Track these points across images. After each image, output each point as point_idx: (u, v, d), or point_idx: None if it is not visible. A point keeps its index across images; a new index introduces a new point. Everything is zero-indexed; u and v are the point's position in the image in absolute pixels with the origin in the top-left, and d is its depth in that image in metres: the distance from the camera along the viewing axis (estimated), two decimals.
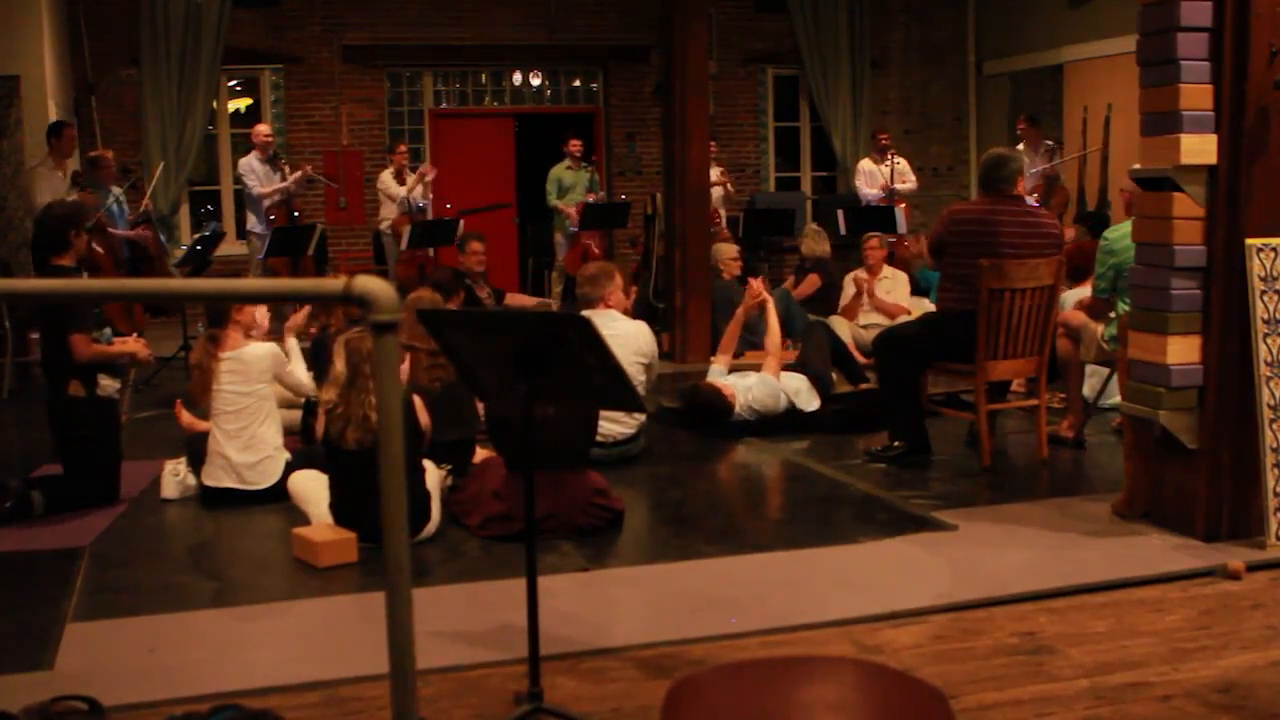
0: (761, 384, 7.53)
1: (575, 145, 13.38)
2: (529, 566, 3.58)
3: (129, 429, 6.87)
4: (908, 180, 13.45)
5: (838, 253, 11.82)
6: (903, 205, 12.88)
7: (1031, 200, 11.95)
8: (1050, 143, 13.20)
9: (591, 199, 13.38)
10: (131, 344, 6.28)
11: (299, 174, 12.29)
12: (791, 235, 13.28)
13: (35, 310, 6.26)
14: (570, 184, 13.41)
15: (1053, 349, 6.74)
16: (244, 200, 12.43)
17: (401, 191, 12.62)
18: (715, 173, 12.57)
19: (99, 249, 9.46)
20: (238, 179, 12.40)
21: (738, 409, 7.44)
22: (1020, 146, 12.97)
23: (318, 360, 7.14)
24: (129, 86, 13.53)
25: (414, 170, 12.99)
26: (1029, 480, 6.45)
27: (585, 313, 6.34)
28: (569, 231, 13.26)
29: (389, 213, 12.82)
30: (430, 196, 13.03)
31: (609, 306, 6.88)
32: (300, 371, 6.53)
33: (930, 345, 6.66)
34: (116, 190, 11.13)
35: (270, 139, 12.45)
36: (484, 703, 3.76)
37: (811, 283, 11.10)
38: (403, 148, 13.03)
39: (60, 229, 6.16)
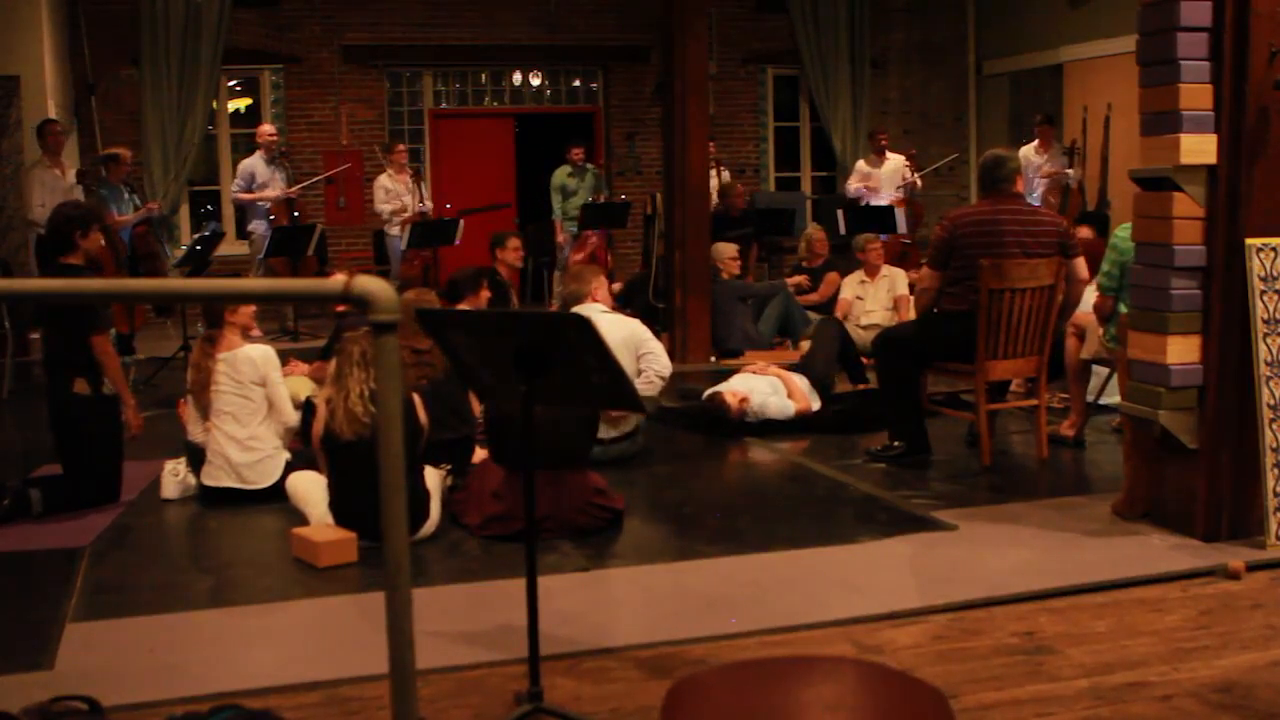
0: (776, 395, 7.61)
1: (577, 154, 13.39)
2: (529, 566, 3.58)
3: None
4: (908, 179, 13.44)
5: (837, 252, 11.83)
6: (902, 205, 12.88)
7: (1035, 197, 12.00)
8: (1062, 145, 13.16)
9: (601, 199, 13.40)
10: (130, 414, 6.27)
11: (292, 190, 12.38)
12: (792, 235, 13.29)
13: (48, 308, 6.26)
14: (574, 189, 13.44)
15: (1056, 348, 6.74)
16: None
17: (387, 208, 12.62)
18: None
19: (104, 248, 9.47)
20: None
21: (749, 412, 7.47)
22: (1035, 144, 12.99)
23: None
24: (129, 86, 13.53)
25: (414, 170, 12.98)
26: (1029, 480, 6.45)
27: (574, 309, 6.41)
28: (571, 232, 13.26)
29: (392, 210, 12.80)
30: (429, 204, 12.97)
31: (595, 301, 7.10)
32: (285, 393, 6.39)
33: (930, 345, 6.66)
34: (124, 190, 11.18)
35: (274, 138, 12.49)
36: (484, 703, 3.76)
37: (831, 282, 11.13)
38: (400, 148, 13.01)
39: (66, 229, 6.17)
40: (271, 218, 12.16)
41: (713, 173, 12.16)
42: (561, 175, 13.48)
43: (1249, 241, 5.02)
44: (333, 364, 5.52)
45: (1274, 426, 5.05)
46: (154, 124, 13.42)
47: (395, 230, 12.65)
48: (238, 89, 14.69)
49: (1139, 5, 5.24)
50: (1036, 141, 13.07)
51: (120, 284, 3.18)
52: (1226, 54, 4.98)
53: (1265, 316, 5.05)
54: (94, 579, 5.04)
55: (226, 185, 13.93)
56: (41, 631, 4.40)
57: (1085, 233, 8.06)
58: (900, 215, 12.48)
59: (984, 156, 6.83)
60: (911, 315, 8.40)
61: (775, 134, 15.96)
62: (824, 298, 11.10)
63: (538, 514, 4.68)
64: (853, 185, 13.52)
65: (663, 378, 6.98)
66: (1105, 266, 6.54)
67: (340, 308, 7.54)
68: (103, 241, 6.72)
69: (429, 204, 12.87)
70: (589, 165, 13.56)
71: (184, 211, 14.00)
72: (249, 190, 12.21)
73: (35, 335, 9.70)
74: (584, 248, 12.82)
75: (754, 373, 7.96)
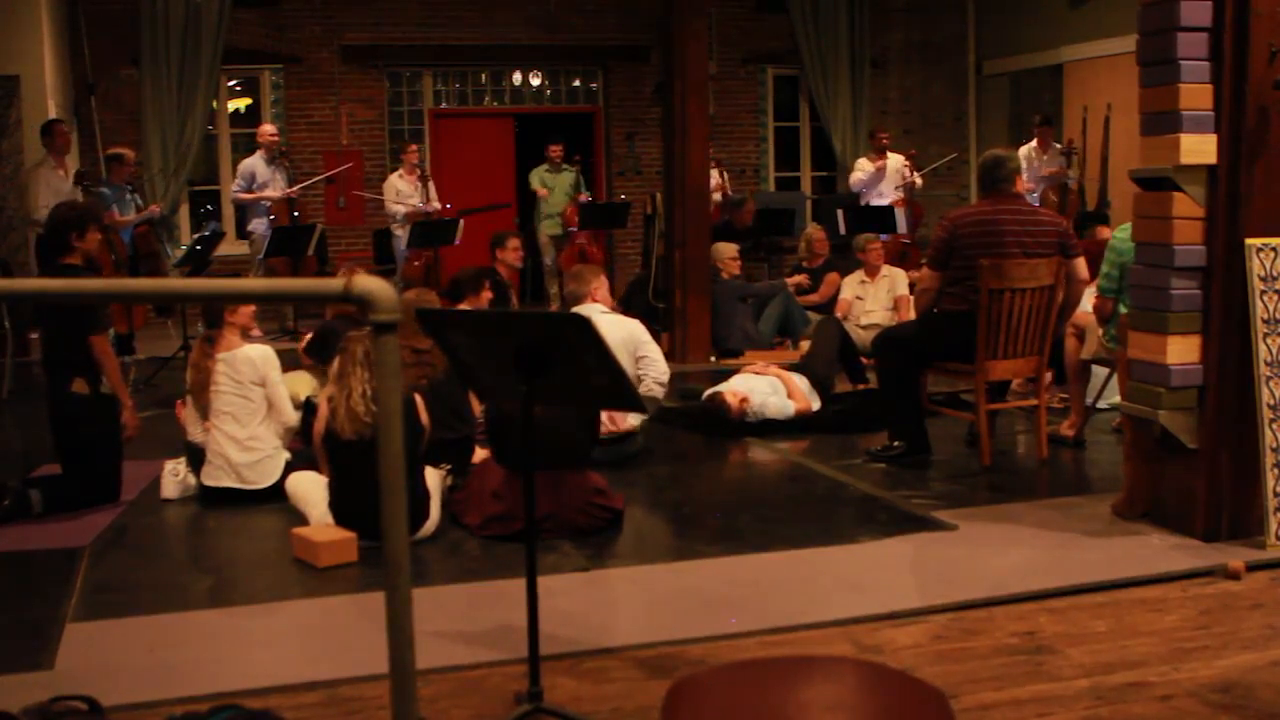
0: (776, 395, 7.61)
1: (555, 150, 13.34)
2: (529, 566, 3.58)
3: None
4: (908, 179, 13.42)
5: (838, 252, 11.83)
6: (902, 205, 12.87)
7: (1034, 197, 12.01)
8: (1061, 146, 13.18)
9: (583, 199, 13.36)
10: (127, 415, 6.26)
11: (292, 190, 12.39)
12: (791, 235, 13.30)
13: (46, 308, 6.26)
14: (550, 185, 13.37)
15: (1056, 348, 6.74)
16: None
17: (400, 209, 12.58)
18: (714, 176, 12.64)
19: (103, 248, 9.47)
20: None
21: (749, 412, 7.47)
22: (1034, 143, 13.00)
23: (323, 347, 7.15)
24: (129, 86, 13.52)
25: (422, 171, 12.93)
26: (1029, 480, 6.45)
27: (574, 309, 6.42)
28: (563, 232, 13.22)
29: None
30: (437, 204, 12.92)
31: (595, 301, 7.13)
32: (285, 393, 6.39)
33: (930, 345, 6.66)
34: (127, 190, 11.19)
35: (275, 138, 12.50)
36: (484, 702, 3.76)
37: (832, 282, 11.15)
38: (413, 148, 12.99)
39: (61, 231, 6.17)
40: (272, 217, 12.16)
41: (713, 172, 12.17)
42: (539, 172, 13.42)
43: (1249, 241, 5.02)
44: (335, 363, 5.52)
45: (1274, 426, 5.05)
46: (154, 124, 13.42)
47: (400, 231, 12.64)
48: (238, 89, 14.69)
49: (1139, 5, 5.24)
50: (1035, 142, 13.08)
51: (120, 284, 3.19)
52: (1226, 54, 4.98)
53: (1265, 316, 5.05)
54: (94, 579, 5.04)
55: (226, 185, 13.94)
56: (41, 631, 4.40)
57: (1106, 233, 8.07)
58: (900, 215, 12.50)
59: (984, 156, 6.84)
60: (912, 315, 8.40)
61: (775, 134, 15.96)
62: (824, 298, 11.11)
63: (538, 514, 4.68)
64: (857, 176, 13.42)
65: (661, 384, 6.99)
66: (1105, 268, 6.54)
67: (334, 309, 7.54)
68: (100, 240, 6.70)
69: (437, 204, 12.84)
70: (565, 165, 13.48)
71: (184, 211, 14.00)
72: (249, 190, 12.23)
73: (35, 335, 9.69)
74: (572, 246, 12.83)
75: (754, 373, 7.96)
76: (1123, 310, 6.15)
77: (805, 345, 9.13)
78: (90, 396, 6.09)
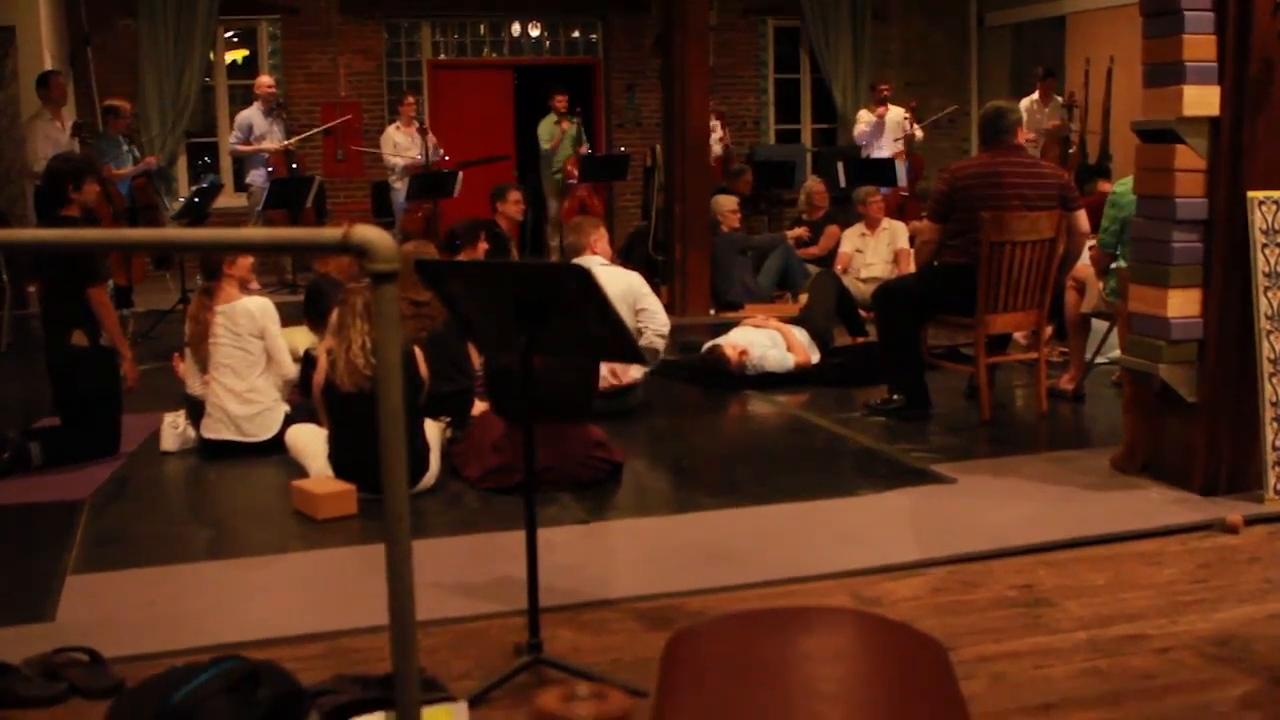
0: (776, 348, 7.60)
1: (560, 100, 13.25)
2: (528, 518, 3.58)
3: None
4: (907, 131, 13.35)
5: (837, 205, 11.79)
6: (902, 158, 12.82)
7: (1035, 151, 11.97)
8: (1063, 100, 13.12)
9: (583, 151, 13.28)
10: (127, 366, 6.26)
11: (290, 142, 12.34)
12: (791, 188, 13.24)
13: (45, 259, 6.25)
14: (554, 137, 13.32)
15: (1056, 301, 6.73)
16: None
17: (398, 161, 12.51)
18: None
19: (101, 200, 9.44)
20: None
21: (749, 365, 7.47)
22: (1035, 96, 12.94)
23: (314, 307, 7.13)
24: (125, 37, 13.42)
25: (420, 124, 12.85)
26: (1028, 433, 6.45)
27: (573, 261, 6.41)
28: (564, 184, 13.16)
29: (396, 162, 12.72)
30: (433, 144, 12.84)
31: (595, 253, 7.12)
32: (284, 346, 6.38)
33: (930, 299, 6.65)
34: (123, 142, 11.15)
35: (273, 90, 12.44)
36: (484, 654, 3.78)
37: (832, 235, 11.12)
38: (410, 100, 12.92)
39: (59, 182, 6.16)
40: (270, 169, 12.12)
41: (714, 124, 12.10)
42: (546, 124, 13.35)
43: (1251, 194, 5.00)
44: (334, 315, 5.51)
45: (1274, 380, 5.04)
46: (151, 76, 13.34)
47: (399, 183, 12.59)
48: (235, 40, 14.58)
49: None
50: (1037, 94, 13.02)
51: (117, 234, 3.17)
52: (1230, 4, 4.93)
53: (1266, 270, 5.03)
54: (94, 531, 5.04)
55: (224, 137, 13.86)
56: (42, 584, 4.41)
57: (1107, 187, 8.05)
58: (900, 168, 12.45)
59: (985, 109, 6.80)
60: (912, 268, 8.39)
61: (776, 86, 15.86)
62: (824, 251, 11.09)
63: (537, 466, 4.68)
64: (861, 129, 13.35)
65: (662, 336, 6.98)
66: (1105, 223, 6.52)
67: (323, 268, 7.50)
68: (98, 191, 6.68)
69: (439, 151, 12.75)
70: (571, 118, 13.35)
71: (181, 163, 13.94)
72: (247, 142, 12.19)
73: (33, 289, 9.68)
74: (573, 198, 12.78)
75: (753, 325, 7.96)
76: (1121, 264, 6.13)
77: (804, 299, 9.13)
78: (89, 349, 6.09)
